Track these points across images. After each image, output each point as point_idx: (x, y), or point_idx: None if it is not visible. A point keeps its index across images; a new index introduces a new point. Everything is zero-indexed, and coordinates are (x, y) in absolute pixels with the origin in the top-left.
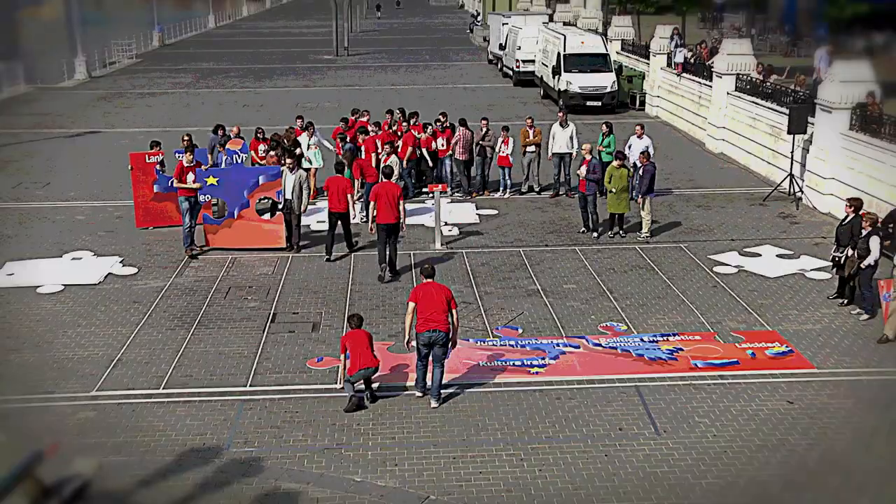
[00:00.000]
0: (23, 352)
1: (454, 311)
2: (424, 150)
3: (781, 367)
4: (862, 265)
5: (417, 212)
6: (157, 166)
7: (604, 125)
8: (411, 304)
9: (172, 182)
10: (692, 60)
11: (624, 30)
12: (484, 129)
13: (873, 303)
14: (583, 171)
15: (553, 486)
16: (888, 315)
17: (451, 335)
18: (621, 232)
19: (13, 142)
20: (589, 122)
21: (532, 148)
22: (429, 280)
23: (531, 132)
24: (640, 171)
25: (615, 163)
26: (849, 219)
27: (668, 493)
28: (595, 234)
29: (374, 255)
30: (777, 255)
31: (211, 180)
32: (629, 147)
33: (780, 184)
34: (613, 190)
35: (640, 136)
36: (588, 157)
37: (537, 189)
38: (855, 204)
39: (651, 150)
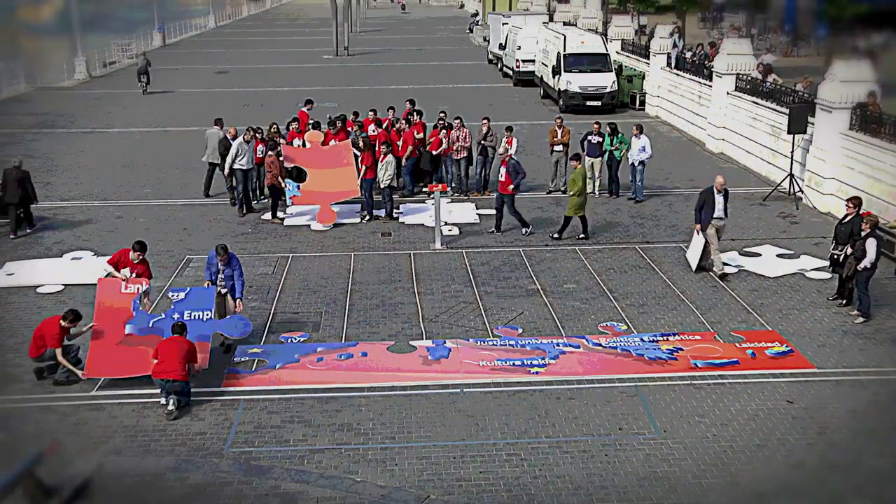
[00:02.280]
0: (23, 352)
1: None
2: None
3: (781, 366)
4: (858, 267)
5: (417, 211)
6: (137, 298)
7: (608, 126)
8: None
9: (153, 322)
10: (694, 60)
11: (624, 30)
12: (486, 129)
13: (870, 305)
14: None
15: (553, 486)
16: None
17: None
18: (582, 235)
19: (13, 142)
20: (588, 123)
21: (559, 147)
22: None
23: (559, 132)
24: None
25: (572, 163)
26: (849, 217)
27: (668, 493)
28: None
29: (373, 255)
30: (777, 255)
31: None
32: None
33: (780, 183)
34: (573, 193)
35: (637, 136)
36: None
37: (563, 189)
38: (856, 203)
39: (649, 150)
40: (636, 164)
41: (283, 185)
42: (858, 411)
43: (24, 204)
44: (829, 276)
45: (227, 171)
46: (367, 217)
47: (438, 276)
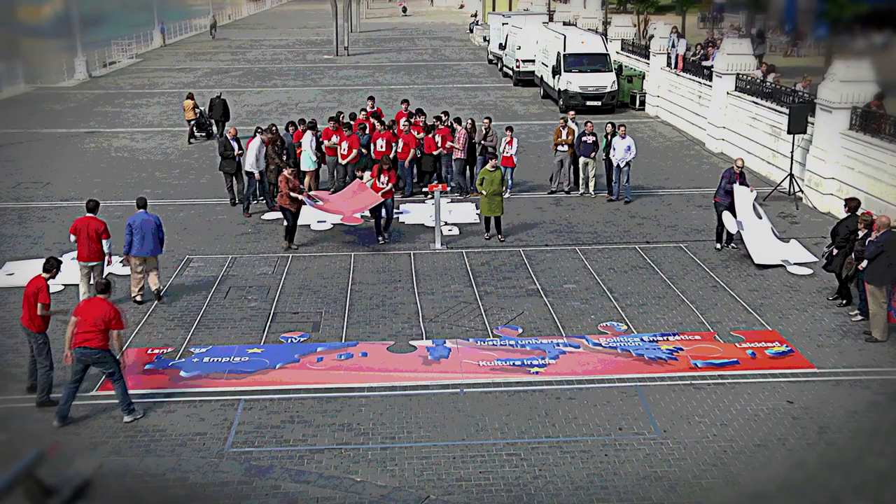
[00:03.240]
0: (23, 352)
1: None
2: (439, 148)
3: (781, 366)
4: (860, 266)
5: (417, 211)
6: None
7: (608, 125)
8: (73, 319)
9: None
10: (693, 60)
11: (624, 30)
12: (486, 129)
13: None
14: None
15: (553, 486)
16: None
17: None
18: (499, 237)
19: (13, 142)
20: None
21: (564, 147)
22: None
23: (564, 131)
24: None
25: (489, 165)
26: (846, 218)
27: (668, 493)
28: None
29: (373, 255)
30: (772, 230)
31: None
32: (613, 147)
33: (780, 183)
34: (485, 192)
35: (623, 136)
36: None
37: (567, 189)
38: (851, 204)
39: (634, 150)
40: (621, 164)
41: (296, 204)
42: (858, 411)
43: (222, 121)
44: (829, 276)
45: (257, 175)
46: (382, 240)
47: (438, 276)
